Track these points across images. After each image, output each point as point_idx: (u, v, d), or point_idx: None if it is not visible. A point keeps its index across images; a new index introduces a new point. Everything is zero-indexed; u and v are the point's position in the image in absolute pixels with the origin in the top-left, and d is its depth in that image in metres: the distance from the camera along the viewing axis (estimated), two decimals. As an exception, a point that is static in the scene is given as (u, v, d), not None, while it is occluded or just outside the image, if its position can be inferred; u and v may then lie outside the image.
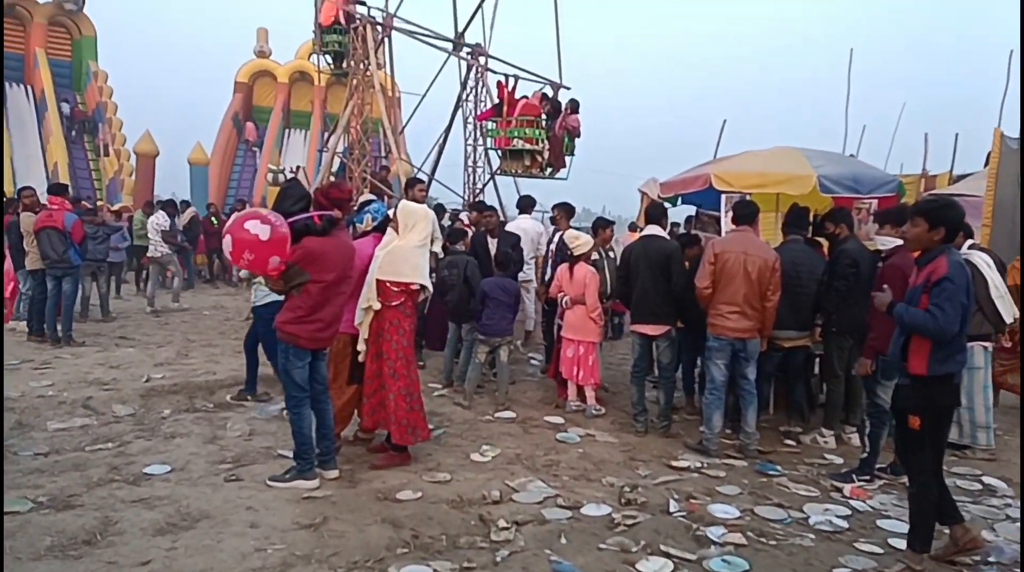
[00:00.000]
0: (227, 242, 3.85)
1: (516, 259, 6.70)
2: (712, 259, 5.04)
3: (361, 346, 4.67)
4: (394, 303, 4.59)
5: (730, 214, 5.60)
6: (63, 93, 21.07)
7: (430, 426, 4.97)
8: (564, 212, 7.52)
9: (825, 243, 5.58)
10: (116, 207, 18.35)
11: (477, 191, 13.97)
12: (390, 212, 4.96)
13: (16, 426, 5.19)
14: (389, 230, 4.71)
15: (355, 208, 5.03)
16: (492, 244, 7.31)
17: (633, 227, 12.75)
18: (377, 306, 4.57)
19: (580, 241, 6.18)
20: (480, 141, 13.88)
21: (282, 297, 4.26)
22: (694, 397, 6.31)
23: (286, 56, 26.04)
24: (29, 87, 20.73)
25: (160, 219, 11.51)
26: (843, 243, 5.21)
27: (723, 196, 6.27)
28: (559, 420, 5.91)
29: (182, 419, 5.59)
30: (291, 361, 4.16)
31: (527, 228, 8.06)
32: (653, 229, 5.66)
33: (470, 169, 14.05)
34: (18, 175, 18.85)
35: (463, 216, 9.79)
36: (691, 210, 8.89)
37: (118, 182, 19.91)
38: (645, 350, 5.68)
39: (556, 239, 7.32)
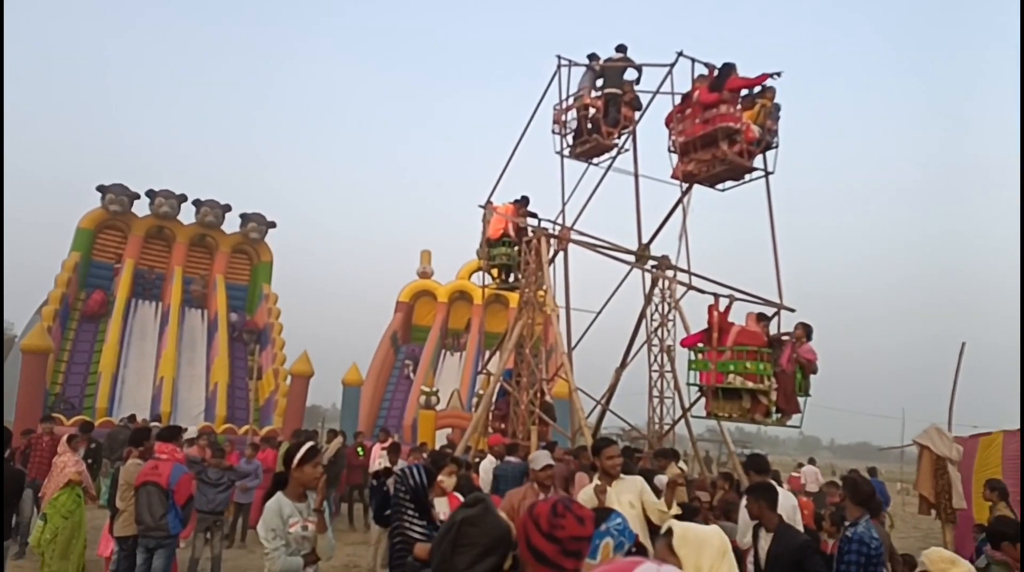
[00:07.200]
0: None
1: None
2: None
3: None
4: None
5: None
6: (235, 312, 21.55)
7: None
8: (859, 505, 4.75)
9: None
10: (263, 431, 17.46)
11: (664, 431, 11.34)
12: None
13: None
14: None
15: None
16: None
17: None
18: None
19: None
20: (667, 366, 11.52)
21: None
22: None
23: (447, 277, 26.14)
24: (204, 310, 21.39)
25: None
26: None
27: None
28: None
29: None
30: None
31: (780, 502, 5.27)
32: None
33: (655, 400, 11.55)
34: (179, 398, 18.63)
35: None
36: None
37: (272, 403, 19.25)
38: None
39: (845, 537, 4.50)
